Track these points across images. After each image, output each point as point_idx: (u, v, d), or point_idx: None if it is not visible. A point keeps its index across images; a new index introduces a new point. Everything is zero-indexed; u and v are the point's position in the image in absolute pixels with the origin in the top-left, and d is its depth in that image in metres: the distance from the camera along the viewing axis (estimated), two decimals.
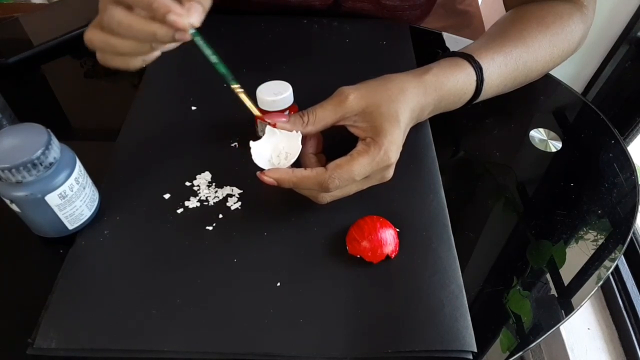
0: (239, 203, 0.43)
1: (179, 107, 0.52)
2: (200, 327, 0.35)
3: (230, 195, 0.43)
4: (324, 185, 0.37)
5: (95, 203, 0.41)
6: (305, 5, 0.64)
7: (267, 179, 0.38)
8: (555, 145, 0.51)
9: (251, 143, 0.40)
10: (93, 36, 0.36)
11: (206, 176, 0.45)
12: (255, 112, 0.40)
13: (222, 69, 0.37)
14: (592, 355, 0.71)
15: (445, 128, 0.52)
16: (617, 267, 0.76)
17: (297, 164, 0.40)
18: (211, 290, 0.37)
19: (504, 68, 0.47)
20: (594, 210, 0.45)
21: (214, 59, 0.36)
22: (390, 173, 0.41)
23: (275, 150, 0.41)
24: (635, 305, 0.72)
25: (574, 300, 0.39)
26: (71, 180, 0.37)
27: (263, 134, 0.41)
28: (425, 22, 0.74)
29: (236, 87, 0.38)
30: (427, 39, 0.65)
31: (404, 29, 0.64)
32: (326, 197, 0.40)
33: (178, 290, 0.37)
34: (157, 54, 0.37)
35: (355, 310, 0.36)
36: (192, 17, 0.33)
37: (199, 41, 0.35)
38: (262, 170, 0.38)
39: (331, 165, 0.38)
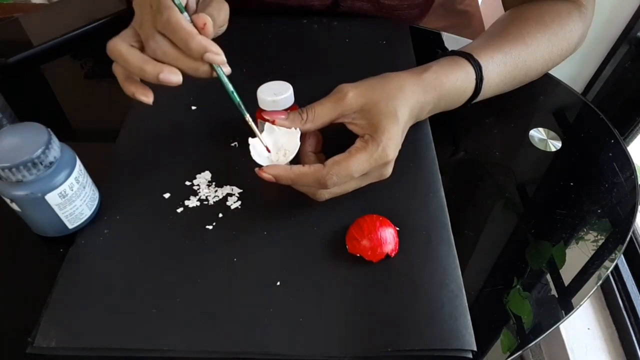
0: (239, 202, 0.43)
1: (178, 107, 0.52)
2: (200, 326, 0.35)
3: (230, 195, 0.43)
4: (322, 182, 0.37)
5: (95, 202, 0.41)
6: (304, 5, 0.64)
7: (265, 175, 0.38)
8: (555, 145, 0.51)
9: (250, 139, 0.40)
10: (128, 54, 0.37)
11: (206, 175, 0.45)
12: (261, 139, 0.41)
13: (236, 98, 0.40)
14: (592, 355, 0.71)
15: (445, 128, 0.52)
16: (617, 267, 0.76)
17: (296, 162, 0.40)
18: (211, 289, 0.37)
19: (503, 67, 0.47)
20: (594, 210, 0.45)
21: (230, 87, 0.39)
22: (388, 170, 0.41)
23: (274, 147, 0.41)
24: (635, 305, 0.72)
25: (573, 300, 0.39)
26: (71, 179, 0.37)
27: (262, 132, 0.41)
28: (424, 22, 0.74)
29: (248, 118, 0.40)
30: (427, 39, 0.65)
31: (404, 29, 0.64)
32: (324, 194, 0.40)
33: (178, 290, 0.37)
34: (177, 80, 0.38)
35: (355, 309, 0.36)
36: (222, 55, 0.37)
37: (220, 73, 0.38)
38: (260, 166, 0.38)
39: (329, 161, 0.38)
